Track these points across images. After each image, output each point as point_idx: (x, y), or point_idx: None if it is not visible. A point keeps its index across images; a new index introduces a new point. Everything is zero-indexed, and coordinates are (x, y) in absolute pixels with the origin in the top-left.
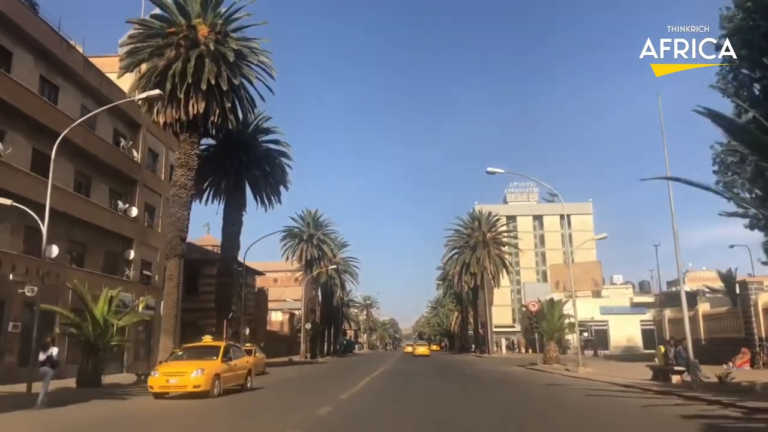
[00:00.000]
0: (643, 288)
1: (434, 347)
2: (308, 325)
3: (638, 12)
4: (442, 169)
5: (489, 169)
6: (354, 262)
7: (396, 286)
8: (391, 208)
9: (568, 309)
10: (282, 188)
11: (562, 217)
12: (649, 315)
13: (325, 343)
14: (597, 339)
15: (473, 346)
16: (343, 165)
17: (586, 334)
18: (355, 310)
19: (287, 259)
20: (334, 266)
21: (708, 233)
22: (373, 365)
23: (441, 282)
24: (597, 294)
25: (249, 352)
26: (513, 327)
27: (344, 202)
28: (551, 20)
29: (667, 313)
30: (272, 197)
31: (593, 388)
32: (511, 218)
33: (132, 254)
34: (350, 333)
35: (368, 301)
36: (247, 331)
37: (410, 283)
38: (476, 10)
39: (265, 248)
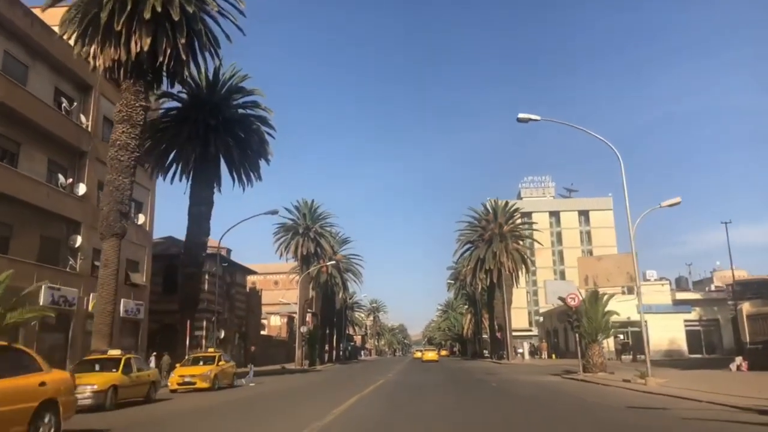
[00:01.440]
0: (680, 284)
1: (443, 352)
2: (304, 329)
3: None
4: (452, 172)
5: (520, 115)
6: (357, 259)
7: (406, 291)
8: (400, 213)
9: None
10: (263, 163)
11: (580, 213)
12: (694, 314)
13: (327, 349)
14: (633, 341)
15: (486, 351)
16: (348, 169)
17: (621, 337)
18: (362, 315)
19: (281, 256)
20: (332, 262)
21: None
22: (375, 375)
23: (452, 282)
24: (629, 291)
25: (212, 359)
26: (530, 330)
27: (351, 206)
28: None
29: (746, 306)
30: (250, 172)
31: (709, 417)
32: (526, 214)
33: (79, 240)
34: (357, 338)
35: (375, 305)
36: (237, 336)
37: (420, 288)
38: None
39: (264, 248)
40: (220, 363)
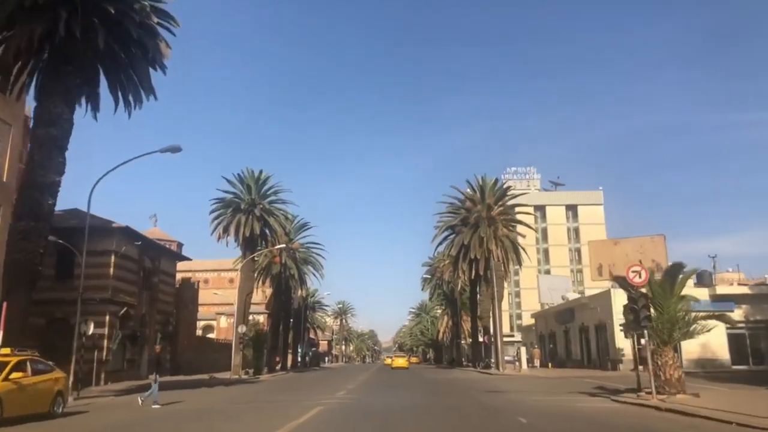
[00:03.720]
0: (703, 280)
1: (413, 359)
2: (243, 328)
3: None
4: (427, 178)
5: None
6: (317, 249)
7: (377, 297)
8: (368, 218)
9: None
10: (154, 71)
11: (568, 207)
12: (739, 314)
13: (280, 354)
14: None
15: (464, 359)
16: (317, 176)
17: (644, 341)
18: (326, 317)
19: (219, 238)
20: (283, 246)
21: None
22: (327, 389)
23: (429, 278)
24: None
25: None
26: (512, 336)
27: (322, 213)
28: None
29: None
30: (135, 80)
31: None
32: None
33: None
34: (323, 344)
35: (341, 306)
36: (159, 337)
37: (392, 294)
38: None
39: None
40: (18, 375)
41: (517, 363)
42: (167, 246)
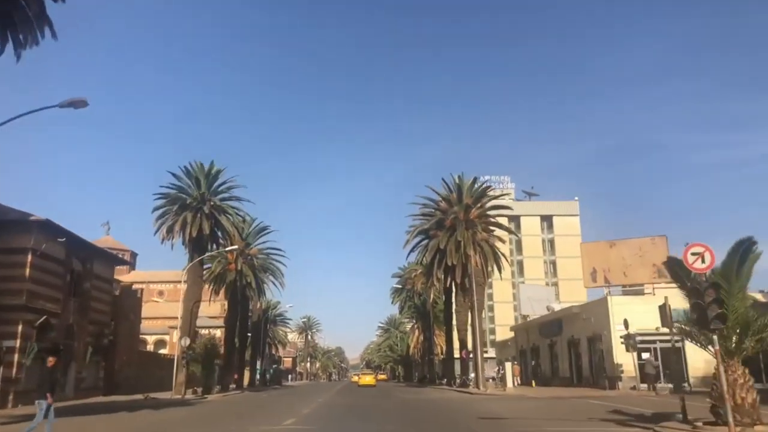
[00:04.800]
0: None
1: (381, 376)
2: (185, 341)
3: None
4: (397, 192)
5: None
6: (278, 255)
7: (344, 314)
8: (336, 234)
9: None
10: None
11: (543, 218)
12: None
13: (236, 371)
14: (668, 364)
15: (432, 375)
16: (282, 194)
17: (647, 356)
18: (291, 333)
19: (163, 240)
20: (236, 247)
21: None
22: (273, 415)
23: (399, 289)
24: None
25: None
26: (485, 351)
27: (288, 228)
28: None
29: None
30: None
31: None
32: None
33: None
34: (287, 361)
35: (306, 321)
36: (90, 350)
37: (360, 311)
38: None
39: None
40: None
41: (496, 381)
42: (120, 256)
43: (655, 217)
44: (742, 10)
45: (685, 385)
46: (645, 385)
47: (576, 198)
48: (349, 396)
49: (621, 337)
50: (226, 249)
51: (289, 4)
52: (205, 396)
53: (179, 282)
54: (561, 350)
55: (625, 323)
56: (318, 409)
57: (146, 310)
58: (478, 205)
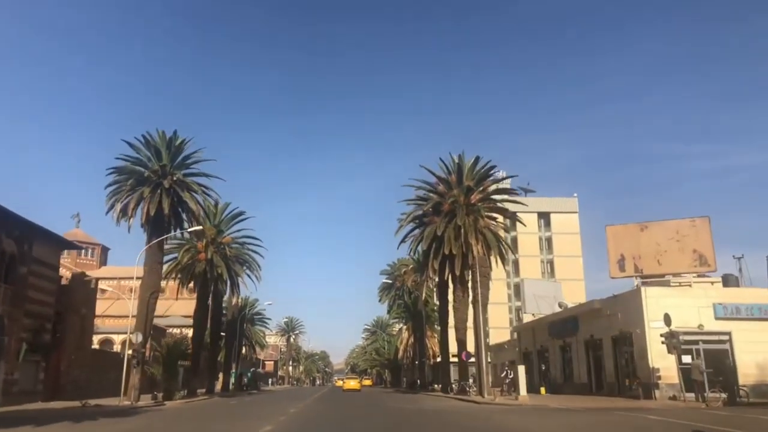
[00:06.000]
0: (729, 283)
1: (366, 381)
2: (137, 338)
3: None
4: (386, 195)
5: None
6: (253, 244)
7: (330, 317)
8: (321, 237)
9: None
10: None
11: (540, 215)
12: None
13: (208, 374)
14: (715, 366)
15: (423, 381)
16: (272, 198)
17: (689, 359)
18: (272, 336)
19: (118, 221)
20: (200, 228)
21: None
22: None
23: (388, 285)
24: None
25: None
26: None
27: (272, 230)
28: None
29: None
30: None
31: None
32: None
33: None
34: (269, 364)
35: (288, 321)
36: (24, 348)
37: (346, 315)
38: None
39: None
40: None
41: (504, 388)
42: (89, 249)
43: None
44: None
45: (742, 394)
46: (691, 395)
47: (575, 194)
48: (332, 404)
49: (661, 335)
50: (189, 229)
51: None
52: (164, 403)
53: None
54: (576, 352)
55: (666, 319)
56: (288, 423)
57: (117, 307)
58: (481, 187)
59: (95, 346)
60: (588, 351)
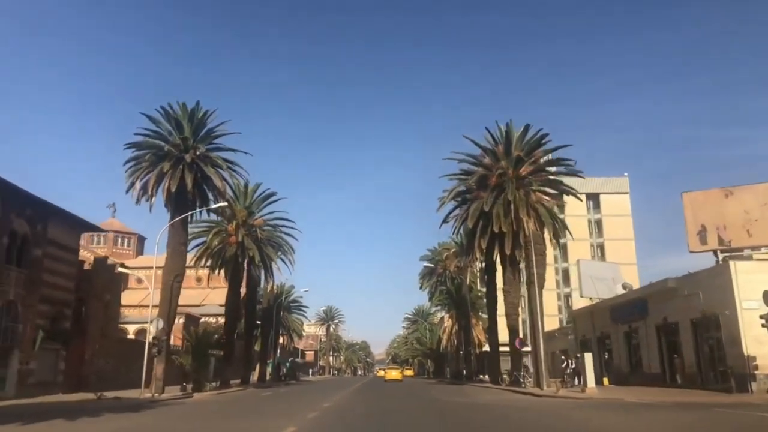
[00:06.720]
0: None
1: (407, 371)
2: (160, 324)
3: None
4: (430, 186)
5: None
6: (287, 227)
7: (371, 308)
8: (364, 228)
9: None
10: None
11: (588, 196)
12: None
13: (243, 364)
14: None
15: (469, 371)
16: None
17: None
18: (311, 325)
19: (138, 200)
20: (225, 204)
21: None
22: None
23: (430, 270)
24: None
25: None
26: (526, 345)
27: (311, 222)
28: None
29: None
30: None
31: None
32: None
33: None
34: (309, 354)
35: (326, 311)
36: (40, 335)
37: (387, 306)
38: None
39: None
40: None
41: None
42: (126, 240)
43: None
44: None
45: None
46: None
47: (626, 174)
48: (373, 397)
49: (761, 317)
50: (214, 206)
51: None
52: (192, 395)
53: (193, 267)
54: (646, 339)
55: (766, 297)
56: (319, 420)
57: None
58: (532, 158)
59: (131, 336)
60: (660, 337)
